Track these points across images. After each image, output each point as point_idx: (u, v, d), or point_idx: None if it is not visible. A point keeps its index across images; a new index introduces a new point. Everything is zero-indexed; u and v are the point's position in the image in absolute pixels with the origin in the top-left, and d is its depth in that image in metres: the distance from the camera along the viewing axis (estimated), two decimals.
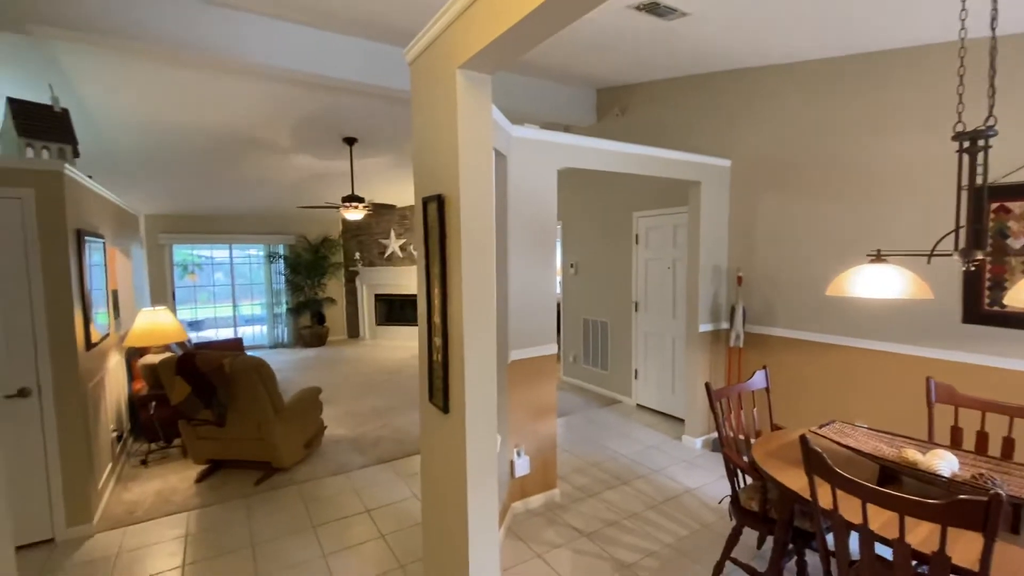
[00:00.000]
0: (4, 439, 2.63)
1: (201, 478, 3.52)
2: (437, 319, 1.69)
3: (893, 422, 3.16)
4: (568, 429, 4.46)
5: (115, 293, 4.12)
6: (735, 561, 2.32)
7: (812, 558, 2.57)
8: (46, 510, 2.75)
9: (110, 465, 3.40)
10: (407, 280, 8.50)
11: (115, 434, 3.56)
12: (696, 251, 3.93)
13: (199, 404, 3.23)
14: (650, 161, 3.54)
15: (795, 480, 1.89)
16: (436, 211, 1.67)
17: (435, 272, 1.70)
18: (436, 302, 1.69)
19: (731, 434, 2.50)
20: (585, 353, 5.70)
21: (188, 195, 6.70)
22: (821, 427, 2.18)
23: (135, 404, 4.27)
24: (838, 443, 2.00)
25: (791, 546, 2.31)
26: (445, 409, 1.68)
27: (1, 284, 2.60)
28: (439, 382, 1.71)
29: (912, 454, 1.81)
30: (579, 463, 3.76)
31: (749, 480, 2.46)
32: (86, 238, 3.06)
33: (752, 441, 2.57)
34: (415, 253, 8.15)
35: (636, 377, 5.04)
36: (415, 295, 8.35)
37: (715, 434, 4.08)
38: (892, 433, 2.15)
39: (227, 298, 8.91)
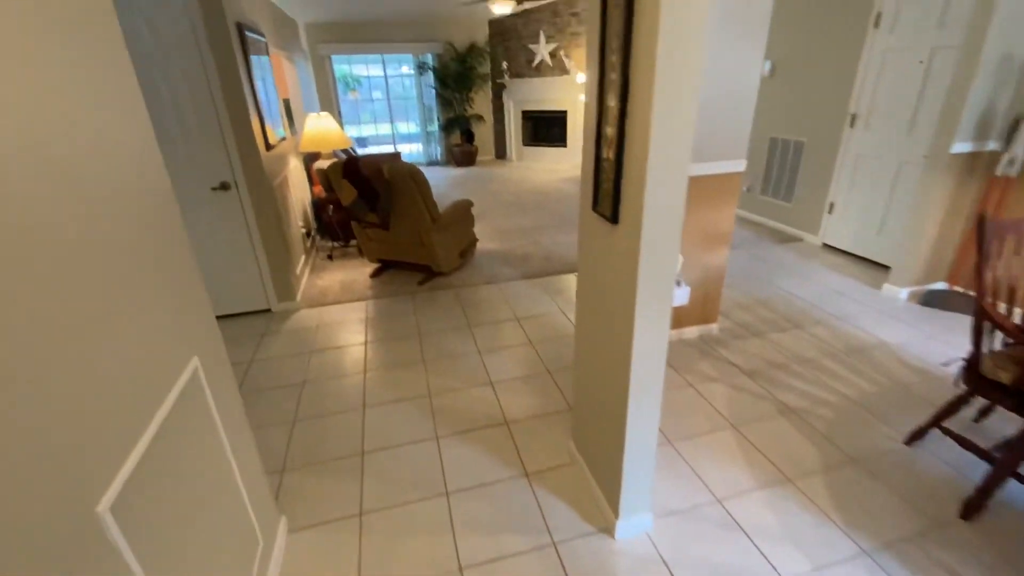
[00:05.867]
0: (216, 224, 3.11)
1: (375, 274, 3.94)
2: (612, 102, 1.28)
3: None
4: (730, 264, 3.97)
5: (287, 102, 4.31)
6: (946, 431, 1.91)
7: None
8: (260, 286, 3.32)
9: (303, 257, 3.94)
10: (556, 94, 7.73)
11: (304, 231, 4.05)
12: (983, 26, 2.66)
13: (365, 207, 3.41)
14: None
15: None
16: None
17: (613, 25, 1.24)
18: (614, 72, 1.26)
19: (996, 281, 1.86)
20: (766, 181, 4.79)
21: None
22: None
23: (317, 207, 4.79)
24: None
25: None
26: (613, 219, 1.38)
27: (187, 83, 2.75)
28: (607, 185, 1.39)
29: None
30: (742, 299, 3.36)
31: (1003, 345, 1.88)
32: (247, 33, 3.05)
33: None
34: (567, 60, 7.25)
35: (830, 212, 4.15)
36: (563, 111, 7.76)
37: (930, 286, 3.28)
38: None
39: (385, 117, 9.26)
